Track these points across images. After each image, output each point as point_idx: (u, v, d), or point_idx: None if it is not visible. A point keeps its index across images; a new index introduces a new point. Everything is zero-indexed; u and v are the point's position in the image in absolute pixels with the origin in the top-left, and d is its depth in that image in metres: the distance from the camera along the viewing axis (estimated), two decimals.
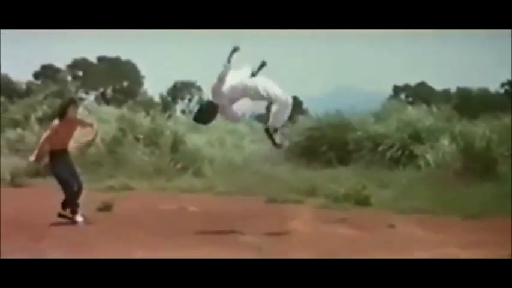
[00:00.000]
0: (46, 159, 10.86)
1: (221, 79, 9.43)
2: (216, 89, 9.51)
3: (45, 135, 10.85)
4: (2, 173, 18.87)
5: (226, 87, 9.51)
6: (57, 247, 8.52)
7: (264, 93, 9.65)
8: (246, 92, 9.65)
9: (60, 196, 10.67)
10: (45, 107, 24.77)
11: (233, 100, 9.67)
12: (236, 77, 9.64)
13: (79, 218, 10.72)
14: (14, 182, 19.02)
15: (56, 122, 10.77)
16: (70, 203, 10.76)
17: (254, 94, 9.68)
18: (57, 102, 27.95)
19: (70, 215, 10.76)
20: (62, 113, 10.80)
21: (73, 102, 11.30)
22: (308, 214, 11.97)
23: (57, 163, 10.80)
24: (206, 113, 9.95)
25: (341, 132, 20.13)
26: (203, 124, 10.46)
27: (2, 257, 6.17)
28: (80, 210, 10.78)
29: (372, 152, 18.44)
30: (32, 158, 11.06)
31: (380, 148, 18.18)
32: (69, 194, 10.74)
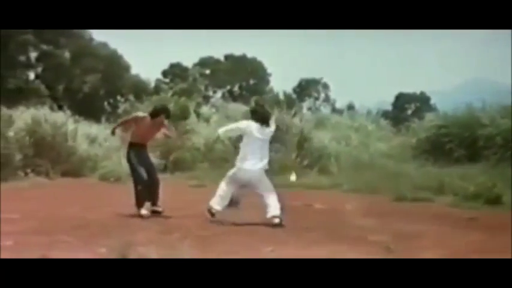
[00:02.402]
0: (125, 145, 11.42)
1: None
2: None
3: (130, 117, 11.76)
4: None
5: None
6: (186, 240, 8.67)
7: None
8: None
9: (186, 190, 10.88)
10: (173, 105, 25.28)
11: None
12: None
13: (143, 211, 11.01)
14: None
15: (145, 115, 11.46)
16: (136, 193, 11.12)
17: None
18: (185, 99, 28.62)
19: (158, 209, 11.24)
20: (153, 115, 11.40)
21: (167, 112, 11.72)
22: (437, 213, 11.72)
23: (133, 154, 11.29)
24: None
25: (470, 128, 19.65)
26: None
27: (134, 247, 6.29)
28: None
29: (504, 149, 17.86)
30: (112, 129, 12.02)
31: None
32: (137, 183, 11.14)
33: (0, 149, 19.33)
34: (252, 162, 10.37)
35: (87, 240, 8.43)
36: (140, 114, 11.72)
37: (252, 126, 10.47)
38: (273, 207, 10.22)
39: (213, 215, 10.55)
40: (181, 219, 10.61)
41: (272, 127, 10.65)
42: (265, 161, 10.44)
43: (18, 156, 19.98)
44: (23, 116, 22.45)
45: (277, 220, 10.10)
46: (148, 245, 6.89)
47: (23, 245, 7.86)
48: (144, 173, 11.16)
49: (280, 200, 10.36)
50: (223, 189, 10.63)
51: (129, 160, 11.37)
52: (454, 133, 19.87)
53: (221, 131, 11.12)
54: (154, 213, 11.12)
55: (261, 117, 10.54)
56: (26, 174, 19.85)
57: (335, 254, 7.38)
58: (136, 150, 11.31)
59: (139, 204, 11.05)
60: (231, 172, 10.69)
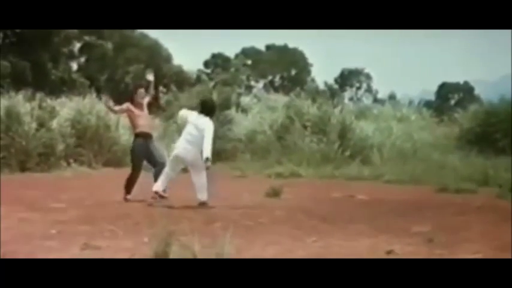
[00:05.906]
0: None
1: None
2: None
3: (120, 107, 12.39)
4: None
5: None
6: (229, 230, 8.63)
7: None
8: None
9: (228, 180, 10.89)
10: (214, 95, 25.34)
11: None
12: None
13: (129, 197, 11.80)
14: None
15: (127, 104, 12.08)
16: (128, 179, 11.92)
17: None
18: (227, 90, 28.65)
19: (163, 195, 11.52)
20: (130, 98, 12.14)
21: (138, 86, 12.48)
22: (481, 204, 11.56)
23: (136, 145, 12.02)
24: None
25: None
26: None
27: (177, 237, 6.26)
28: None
29: None
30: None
31: None
32: (131, 173, 11.98)
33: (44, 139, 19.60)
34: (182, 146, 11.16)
35: (131, 229, 8.51)
36: (125, 104, 12.17)
37: (188, 114, 11.47)
38: (200, 192, 11.13)
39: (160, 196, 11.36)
40: (224, 209, 10.63)
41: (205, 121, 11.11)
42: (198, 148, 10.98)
43: (60, 147, 20.21)
44: (66, 107, 22.68)
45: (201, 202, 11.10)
46: (191, 234, 6.91)
47: (68, 234, 7.94)
48: (140, 165, 12.02)
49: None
50: (166, 172, 11.33)
51: (132, 151, 12.18)
52: (499, 123, 19.62)
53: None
54: (162, 198, 11.50)
55: (205, 108, 11.31)
56: (69, 164, 20.10)
57: (377, 245, 7.32)
58: (139, 141, 11.98)
59: (127, 190, 11.84)
60: (171, 156, 11.54)
